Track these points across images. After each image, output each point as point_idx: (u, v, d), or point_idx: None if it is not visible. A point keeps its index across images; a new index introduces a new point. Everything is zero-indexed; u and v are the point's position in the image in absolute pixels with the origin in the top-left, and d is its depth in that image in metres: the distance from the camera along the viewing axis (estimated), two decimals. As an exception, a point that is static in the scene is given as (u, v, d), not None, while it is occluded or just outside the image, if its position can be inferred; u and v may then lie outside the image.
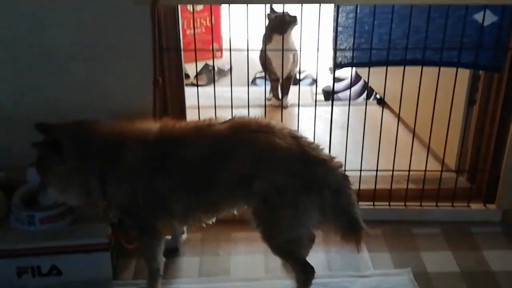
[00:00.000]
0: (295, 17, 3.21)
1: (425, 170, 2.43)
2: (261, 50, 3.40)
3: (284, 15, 3.19)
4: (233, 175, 1.85)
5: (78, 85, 2.30)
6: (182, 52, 2.29)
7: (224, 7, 4.30)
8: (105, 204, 1.94)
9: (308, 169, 1.84)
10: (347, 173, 2.34)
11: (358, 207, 1.91)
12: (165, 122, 1.95)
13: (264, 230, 1.89)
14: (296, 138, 1.88)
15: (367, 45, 2.26)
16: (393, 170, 2.42)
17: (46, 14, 2.18)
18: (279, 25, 3.19)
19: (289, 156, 1.84)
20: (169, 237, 2.24)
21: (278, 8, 3.28)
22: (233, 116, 1.94)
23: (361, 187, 2.40)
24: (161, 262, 2.05)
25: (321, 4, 2.14)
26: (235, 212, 2.01)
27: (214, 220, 2.07)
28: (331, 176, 1.86)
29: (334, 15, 2.22)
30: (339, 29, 2.25)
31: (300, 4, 2.16)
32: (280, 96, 3.45)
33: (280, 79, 3.39)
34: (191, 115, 2.36)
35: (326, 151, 2.31)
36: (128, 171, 1.88)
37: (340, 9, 2.21)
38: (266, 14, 3.23)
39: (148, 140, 1.88)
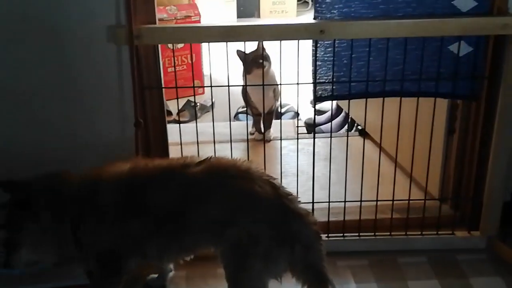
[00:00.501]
0: (261, 62, 3.06)
1: (409, 199, 2.44)
2: (242, 86, 3.42)
3: (248, 56, 3.15)
4: (207, 220, 1.84)
5: (55, 126, 2.25)
6: (163, 90, 2.31)
7: (204, 44, 4.35)
8: (80, 255, 1.90)
9: (284, 221, 1.83)
10: (331, 204, 2.39)
11: (326, 262, 1.90)
12: (136, 163, 1.93)
13: (231, 272, 1.86)
14: (275, 188, 1.87)
15: (346, 78, 2.29)
16: (377, 200, 2.43)
17: (21, 53, 2.15)
18: (245, 66, 3.21)
19: (266, 206, 1.83)
20: (155, 275, 2.22)
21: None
22: (210, 157, 1.92)
23: (346, 218, 2.42)
24: None
25: (299, 40, 2.17)
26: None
27: (192, 257, 2.06)
28: (305, 231, 1.85)
29: (312, 49, 2.26)
30: (318, 63, 2.28)
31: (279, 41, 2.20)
32: (262, 130, 3.47)
33: (261, 113, 3.41)
34: (174, 152, 2.37)
35: (310, 183, 2.35)
36: (102, 216, 1.86)
37: (318, 44, 2.25)
38: (236, 51, 3.20)
39: (119, 182, 1.86)
